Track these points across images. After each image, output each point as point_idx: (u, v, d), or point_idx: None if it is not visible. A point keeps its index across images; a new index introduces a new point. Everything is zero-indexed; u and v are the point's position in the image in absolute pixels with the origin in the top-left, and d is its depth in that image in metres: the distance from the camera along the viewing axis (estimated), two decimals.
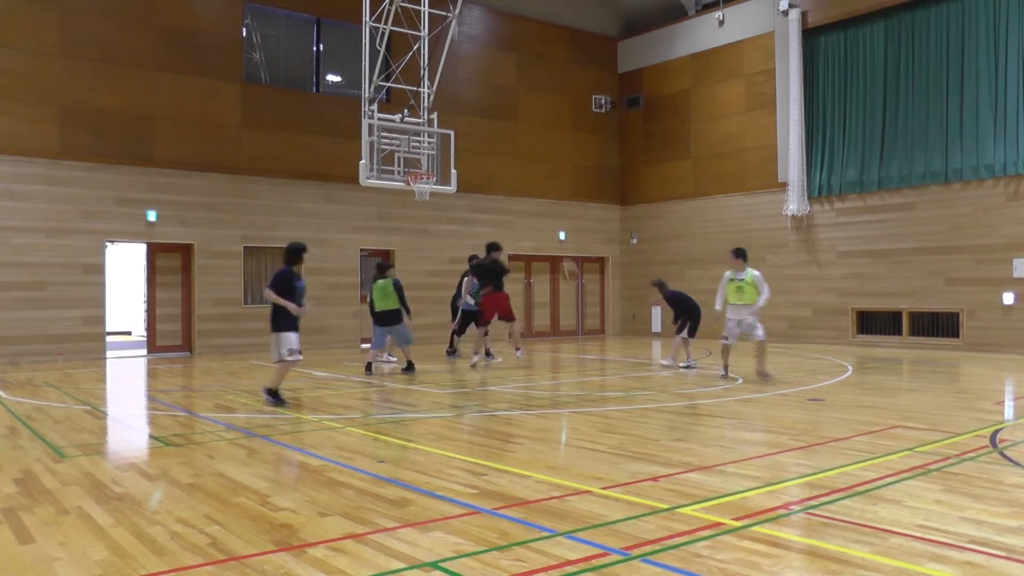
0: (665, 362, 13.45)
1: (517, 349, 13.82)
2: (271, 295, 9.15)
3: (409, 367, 12.66)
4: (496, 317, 13.67)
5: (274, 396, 9.30)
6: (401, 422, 8.27)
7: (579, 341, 21.02)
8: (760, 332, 11.04)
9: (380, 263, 13.33)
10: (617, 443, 6.87)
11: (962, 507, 4.74)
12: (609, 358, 16.15)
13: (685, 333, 13.03)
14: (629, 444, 6.87)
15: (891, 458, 6.14)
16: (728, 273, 11.28)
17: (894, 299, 17.53)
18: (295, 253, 9.53)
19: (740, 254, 11.20)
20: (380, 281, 12.70)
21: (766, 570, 3.74)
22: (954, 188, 16.67)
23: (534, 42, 21.75)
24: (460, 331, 14.95)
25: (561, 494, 5.12)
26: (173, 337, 16.97)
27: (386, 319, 12.60)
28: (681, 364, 13.15)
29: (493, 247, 13.94)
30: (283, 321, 9.16)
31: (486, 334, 13.94)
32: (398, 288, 12.54)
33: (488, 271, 13.70)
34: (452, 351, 15.35)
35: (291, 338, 9.16)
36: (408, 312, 12.70)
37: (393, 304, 12.50)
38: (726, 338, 11.33)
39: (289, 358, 9.14)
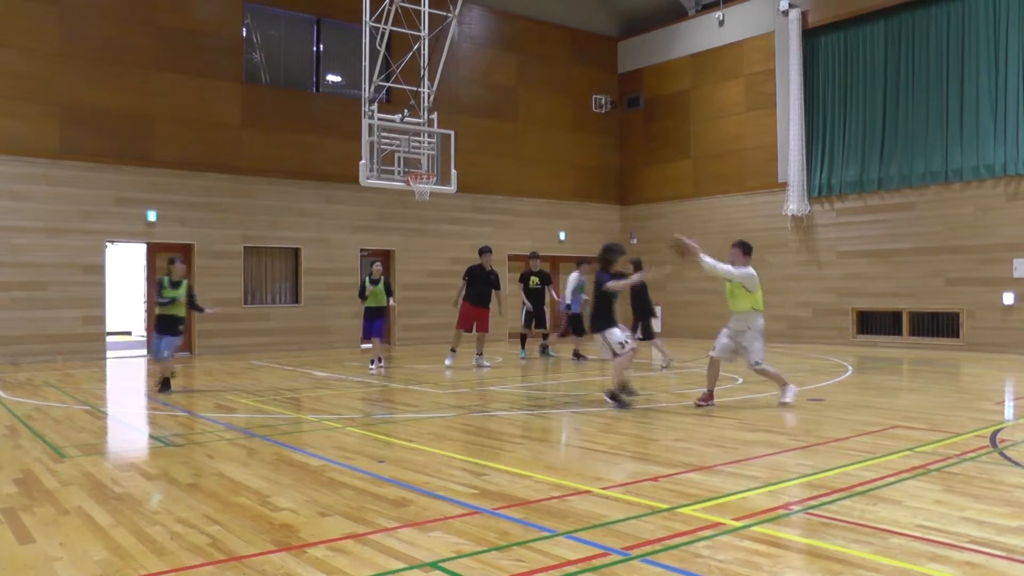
0: (663, 364, 13.44)
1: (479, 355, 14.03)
2: (621, 284, 9.22)
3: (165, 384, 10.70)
4: (472, 327, 13.81)
5: (616, 398, 8.93)
6: (401, 422, 8.26)
7: (579, 341, 20.97)
8: (753, 357, 8.83)
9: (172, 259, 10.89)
10: (617, 443, 6.87)
11: (962, 507, 4.74)
12: (609, 358, 16.14)
13: (640, 334, 13.33)
14: (629, 444, 6.86)
15: (891, 458, 6.14)
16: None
17: (894, 299, 17.53)
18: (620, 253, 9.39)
19: (742, 248, 9.05)
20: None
21: (766, 570, 3.74)
22: (954, 188, 16.67)
23: (534, 42, 21.74)
24: (579, 333, 14.92)
25: (561, 494, 5.12)
26: None
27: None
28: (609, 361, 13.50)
29: (485, 250, 14.03)
30: (605, 319, 9.12)
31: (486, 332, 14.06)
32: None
33: (482, 281, 13.74)
34: (578, 356, 15.04)
35: (616, 332, 9.09)
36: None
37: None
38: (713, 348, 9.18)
39: (622, 351, 9.01)
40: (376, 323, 13.47)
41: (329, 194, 18.33)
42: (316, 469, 5.96)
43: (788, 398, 8.83)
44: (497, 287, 14.04)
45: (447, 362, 13.65)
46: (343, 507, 4.88)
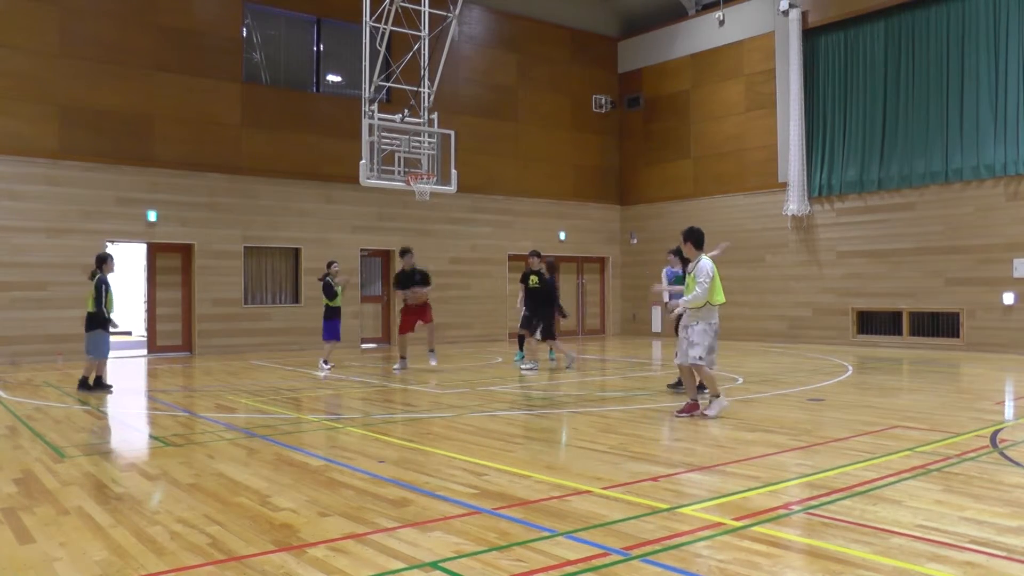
0: (527, 366, 13.15)
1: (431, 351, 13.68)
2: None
3: (92, 384, 10.76)
4: (414, 326, 13.41)
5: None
6: (401, 422, 8.26)
7: (579, 341, 21.00)
8: (693, 352, 8.20)
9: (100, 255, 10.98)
10: (617, 443, 6.87)
11: (962, 507, 4.74)
12: (609, 358, 16.14)
13: (541, 333, 13.28)
14: (629, 444, 6.86)
15: (891, 458, 6.14)
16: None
17: (894, 299, 17.53)
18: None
19: (693, 242, 8.36)
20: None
21: (766, 570, 3.74)
22: (954, 188, 16.67)
23: (534, 42, 21.75)
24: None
25: (561, 494, 5.12)
26: (173, 337, 16.97)
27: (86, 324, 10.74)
28: (526, 366, 13.18)
29: (404, 252, 13.64)
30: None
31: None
32: (99, 288, 10.56)
33: (410, 284, 13.39)
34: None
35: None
36: (105, 320, 10.60)
37: (90, 307, 10.63)
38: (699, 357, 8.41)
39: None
40: (337, 323, 13.55)
41: (329, 194, 18.34)
42: (316, 469, 5.96)
43: (712, 411, 8.06)
44: (427, 282, 13.51)
45: (395, 367, 13.34)
46: (343, 507, 4.88)
